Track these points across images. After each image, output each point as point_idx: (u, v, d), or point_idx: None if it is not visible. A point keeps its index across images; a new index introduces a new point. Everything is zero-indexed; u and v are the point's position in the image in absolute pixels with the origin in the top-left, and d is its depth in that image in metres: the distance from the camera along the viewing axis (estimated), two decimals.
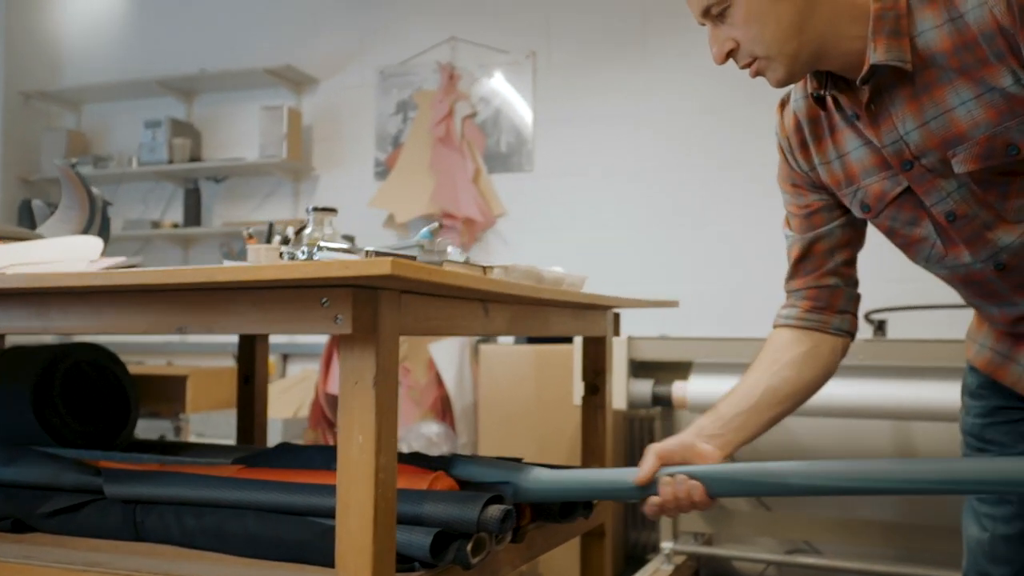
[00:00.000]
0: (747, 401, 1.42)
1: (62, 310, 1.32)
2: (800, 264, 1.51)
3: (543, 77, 4.40)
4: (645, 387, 3.11)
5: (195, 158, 4.85)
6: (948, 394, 2.79)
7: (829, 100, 1.37)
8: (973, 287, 1.41)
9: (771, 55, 1.28)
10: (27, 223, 4.88)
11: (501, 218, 4.42)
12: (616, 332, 2.20)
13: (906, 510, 3.45)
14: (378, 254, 1.27)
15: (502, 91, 4.45)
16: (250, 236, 2.07)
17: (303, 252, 1.25)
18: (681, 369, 3.17)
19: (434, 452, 3.86)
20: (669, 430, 3.44)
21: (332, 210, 1.83)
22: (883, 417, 3.15)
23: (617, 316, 2.20)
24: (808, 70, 1.33)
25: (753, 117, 4.05)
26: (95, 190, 2.65)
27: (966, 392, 1.58)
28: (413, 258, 1.34)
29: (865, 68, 1.26)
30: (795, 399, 1.45)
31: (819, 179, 1.45)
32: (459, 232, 4.41)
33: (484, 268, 1.40)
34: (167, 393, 4.48)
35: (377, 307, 1.19)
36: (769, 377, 1.44)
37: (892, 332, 3.53)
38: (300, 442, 4.09)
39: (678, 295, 4.03)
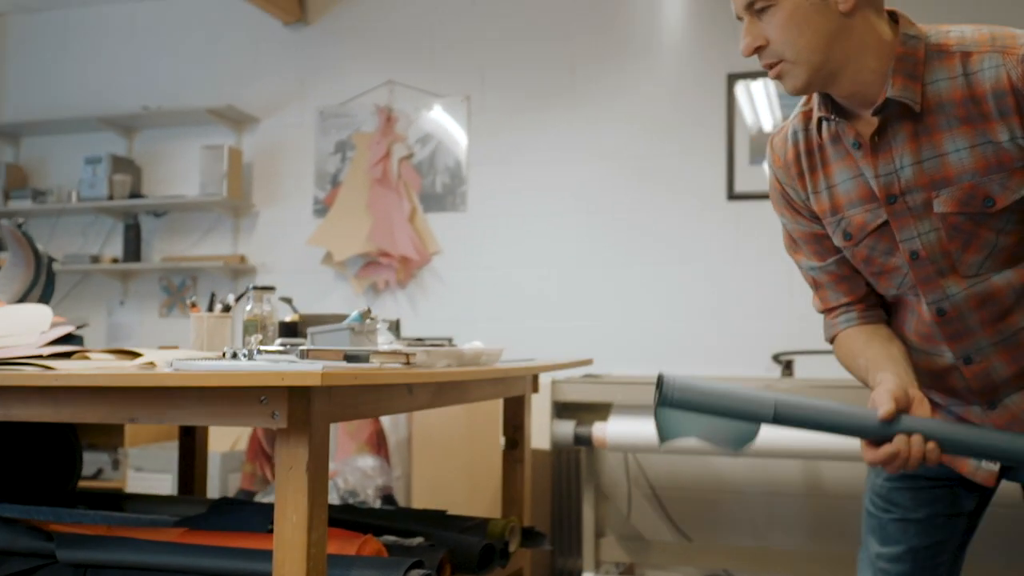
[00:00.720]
0: (901, 357, 1.48)
1: (22, 401, 1.46)
2: (840, 285, 1.60)
3: (477, 120, 4.58)
4: (568, 428, 3.30)
5: (135, 194, 4.93)
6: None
7: (825, 131, 1.50)
8: (923, 327, 1.54)
9: (798, 60, 1.40)
10: None
11: (436, 256, 4.58)
12: (535, 389, 2.38)
13: (816, 539, 3.68)
14: (310, 352, 1.44)
15: (438, 134, 4.62)
16: (193, 304, 2.21)
17: (244, 354, 1.40)
18: (602, 409, 3.36)
19: (369, 485, 4.00)
20: (593, 465, 3.63)
21: (271, 288, 1.98)
22: (794, 457, 3.38)
23: (536, 374, 2.38)
24: (821, 86, 1.44)
25: (676, 160, 4.27)
26: (40, 247, 2.77)
27: None
28: (345, 355, 1.50)
29: (881, 99, 1.40)
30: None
31: (812, 208, 1.57)
32: (395, 270, 4.56)
33: (407, 356, 1.56)
34: (106, 426, 4.55)
35: (309, 404, 1.35)
36: (893, 344, 1.52)
37: (800, 372, 3.77)
38: (237, 476, 4.20)
39: (605, 332, 4.25)
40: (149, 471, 4.20)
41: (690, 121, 4.27)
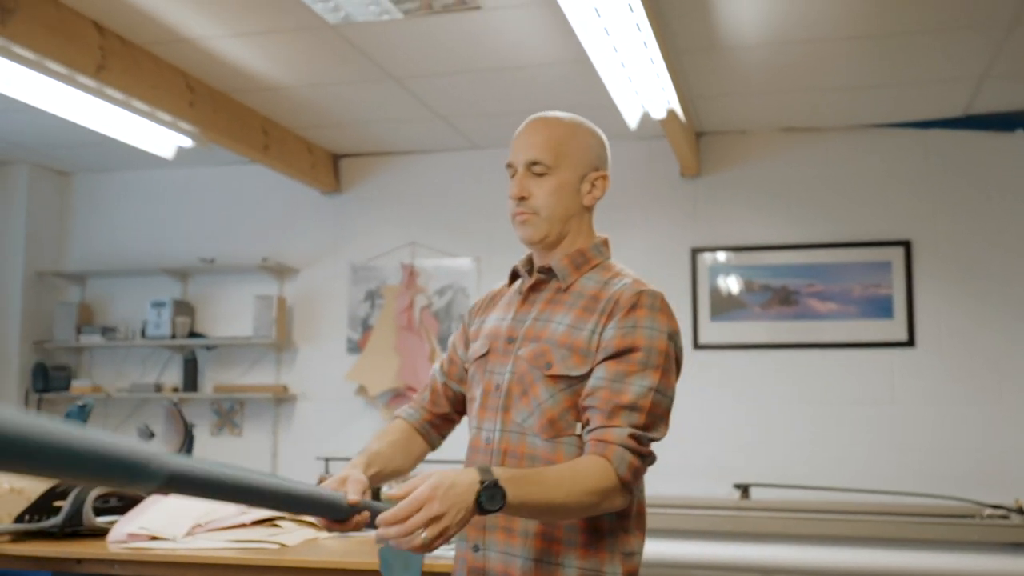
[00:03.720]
0: (383, 455, 1.79)
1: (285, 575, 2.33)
2: (432, 394, 1.96)
3: (485, 275, 5.54)
4: None
5: (193, 332, 5.79)
6: (805, 554, 3.97)
7: (516, 284, 1.87)
8: (471, 452, 1.80)
9: (547, 219, 1.76)
10: (40, 383, 5.90)
11: None
12: None
13: None
14: None
15: (453, 287, 5.57)
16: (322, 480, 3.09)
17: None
18: None
19: None
20: None
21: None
22: (752, 572, 4.29)
23: None
24: (547, 245, 1.79)
25: None
26: (186, 417, 3.66)
27: None
28: None
29: (544, 264, 1.80)
30: (408, 464, 1.88)
31: (470, 334, 1.92)
32: None
33: None
34: None
35: None
36: (395, 447, 1.85)
37: (754, 494, 4.72)
38: None
39: None
40: None
41: (662, 283, 5.20)
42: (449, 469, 1.48)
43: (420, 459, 1.91)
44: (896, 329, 4.97)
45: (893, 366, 4.95)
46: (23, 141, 5.50)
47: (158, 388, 5.78)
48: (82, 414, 3.28)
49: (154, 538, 2.55)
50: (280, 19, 3.75)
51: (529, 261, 1.86)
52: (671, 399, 1.70)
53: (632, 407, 1.63)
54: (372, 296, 5.69)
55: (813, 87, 4.60)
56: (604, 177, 1.84)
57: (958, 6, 3.69)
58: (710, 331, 5.15)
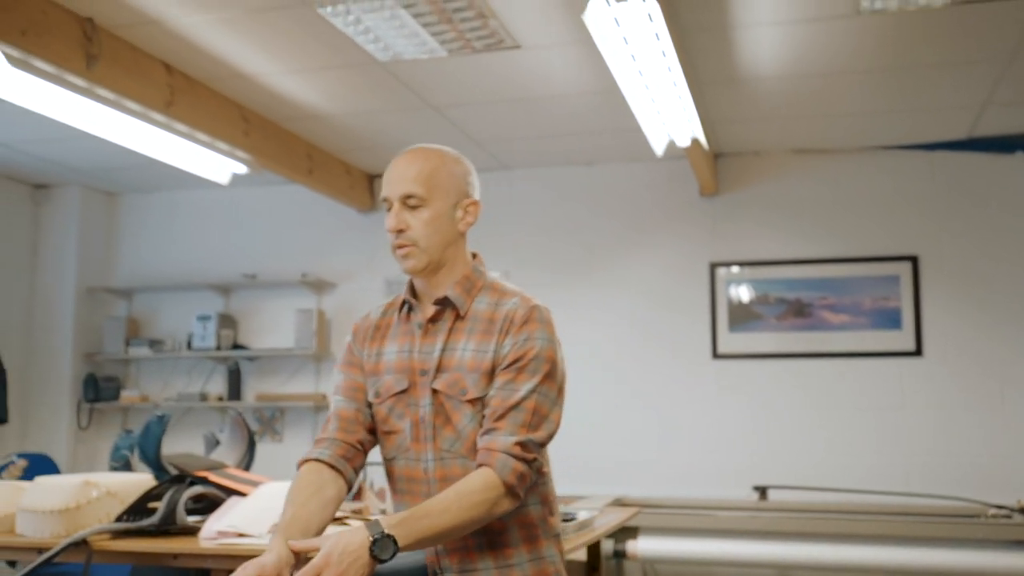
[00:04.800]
0: (301, 517, 1.75)
1: None
2: (341, 422, 1.91)
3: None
4: (607, 545, 4.49)
5: (236, 344, 6.10)
6: (820, 552, 4.25)
7: (404, 313, 1.91)
8: (408, 483, 1.86)
9: (426, 249, 1.83)
10: (91, 393, 6.22)
11: None
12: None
13: None
14: None
15: None
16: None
17: None
18: (632, 530, 4.56)
19: None
20: (621, 572, 4.82)
21: None
22: (770, 568, 4.58)
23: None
24: (427, 273, 1.86)
25: (672, 326, 5.55)
26: (249, 424, 3.93)
27: None
28: None
29: (441, 295, 1.85)
30: (327, 516, 1.81)
31: (364, 365, 1.93)
32: None
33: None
34: None
35: None
36: (313, 499, 1.79)
37: (772, 496, 5.01)
38: None
39: (623, 461, 5.40)
40: None
41: (682, 296, 5.57)
42: (342, 530, 1.61)
43: (338, 504, 1.86)
44: (904, 339, 5.25)
45: (901, 374, 5.24)
46: (75, 165, 5.82)
47: (203, 397, 6.09)
48: (160, 424, 3.56)
49: (241, 535, 2.83)
50: (332, 57, 4.05)
51: (411, 290, 1.93)
52: (553, 401, 1.82)
53: (518, 407, 1.75)
54: None
55: (825, 113, 4.90)
56: (475, 203, 1.92)
57: (963, 42, 3.98)
58: (728, 342, 5.44)
